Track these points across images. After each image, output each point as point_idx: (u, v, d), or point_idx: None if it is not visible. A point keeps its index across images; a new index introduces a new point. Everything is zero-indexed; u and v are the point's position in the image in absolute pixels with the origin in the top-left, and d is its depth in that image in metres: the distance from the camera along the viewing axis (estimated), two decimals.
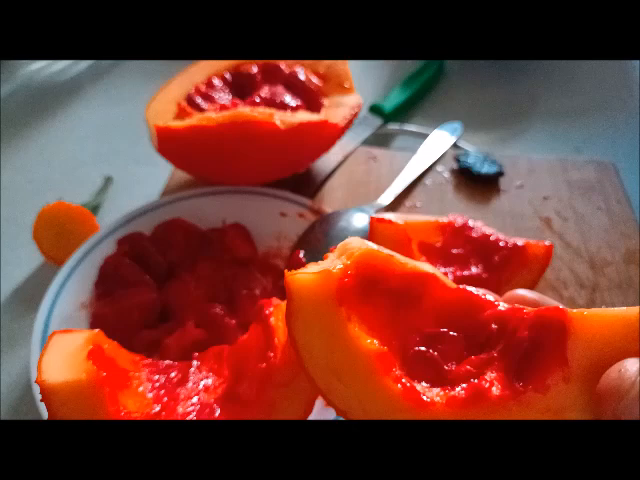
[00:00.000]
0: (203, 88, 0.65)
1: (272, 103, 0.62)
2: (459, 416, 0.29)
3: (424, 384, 0.31)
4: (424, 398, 0.29)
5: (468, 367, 0.31)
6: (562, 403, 0.28)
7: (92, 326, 0.52)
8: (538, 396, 0.28)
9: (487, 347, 0.32)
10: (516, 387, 0.29)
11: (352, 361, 0.30)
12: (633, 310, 0.28)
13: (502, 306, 0.33)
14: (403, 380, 0.30)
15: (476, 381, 0.30)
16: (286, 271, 0.32)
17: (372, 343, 0.31)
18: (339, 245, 0.35)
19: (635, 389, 0.24)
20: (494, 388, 0.29)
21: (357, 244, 0.34)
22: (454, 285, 0.36)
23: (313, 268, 0.33)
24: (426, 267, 0.36)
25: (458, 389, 0.30)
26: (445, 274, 0.52)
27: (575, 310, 0.29)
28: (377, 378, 0.30)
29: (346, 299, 0.31)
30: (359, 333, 0.31)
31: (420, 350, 0.32)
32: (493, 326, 0.32)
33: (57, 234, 0.61)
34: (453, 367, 0.32)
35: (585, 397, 0.27)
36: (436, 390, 0.30)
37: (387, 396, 0.29)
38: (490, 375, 0.30)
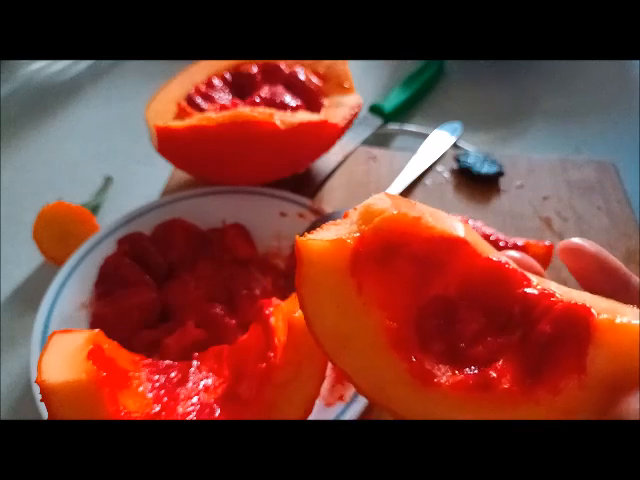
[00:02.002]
0: (203, 88, 0.65)
1: (272, 103, 0.63)
2: (463, 401, 0.28)
3: (434, 360, 0.30)
4: (431, 376, 0.29)
5: (482, 348, 0.30)
6: (572, 408, 0.26)
7: (92, 326, 0.52)
8: (548, 396, 0.27)
9: (506, 330, 0.30)
10: (527, 383, 0.27)
11: (360, 333, 0.29)
12: None
13: (532, 289, 0.30)
14: (412, 357, 0.29)
15: (487, 368, 0.29)
16: (297, 236, 0.30)
17: (382, 316, 0.29)
18: (362, 205, 0.32)
19: None
20: (504, 379, 0.28)
21: (381, 205, 0.31)
22: (489, 253, 0.32)
23: (328, 233, 0.31)
24: (459, 230, 0.32)
25: (467, 371, 0.29)
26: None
27: (604, 316, 0.27)
28: (385, 351, 0.29)
29: (360, 268, 0.30)
30: (369, 306, 0.29)
31: (436, 321, 0.31)
32: (516, 309, 0.30)
33: (57, 234, 0.61)
34: (468, 345, 0.30)
35: (596, 407, 0.26)
36: (444, 369, 0.29)
37: (393, 370, 0.29)
38: (503, 364, 0.29)
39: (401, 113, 0.82)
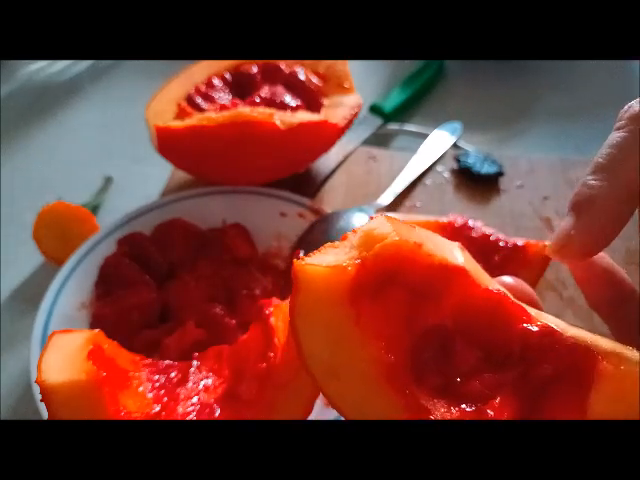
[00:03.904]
0: (203, 88, 0.65)
1: (272, 103, 0.63)
2: None
3: (429, 395, 0.29)
4: (426, 412, 0.28)
5: (479, 384, 0.29)
6: None
7: (92, 326, 0.52)
8: None
9: (504, 366, 0.29)
10: None
11: (356, 365, 0.28)
12: None
13: (533, 326, 0.29)
14: (407, 391, 0.28)
15: (484, 405, 0.28)
16: (295, 260, 0.29)
17: (379, 347, 0.28)
18: (363, 228, 0.30)
19: None
20: (501, 418, 0.27)
21: (382, 230, 0.30)
22: (487, 284, 0.31)
23: (326, 257, 0.29)
24: (458, 258, 0.31)
25: (464, 407, 0.28)
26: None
27: (608, 362, 0.26)
28: (380, 385, 0.28)
29: (359, 297, 0.29)
30: (366, 336, 0.28)
31: (432, 354, 0.30)
32: (516, 346, 0.29)
33: (57, 234, 0.61)
34: (464, 380, 0.29)
35: None
36: (440, 404, 0.28)
37: (388, 405, 0.28)
38: (500, 401, 0.28)
39: (401, 113, 0.82)
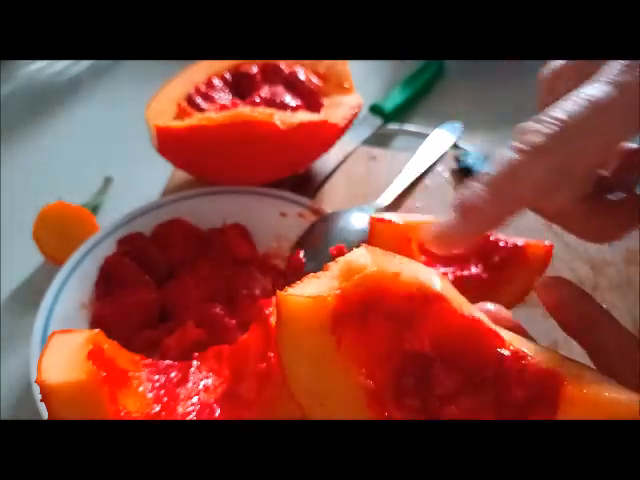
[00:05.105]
0: (203, 88, 0.65)
1: (272, 103, 0.63)
2: None
3: (409, 418, 0.30)
4: None
5: (455, 408, 0.30)
6: None
7: (92, 326, 0.52)
8: None
9: (480, 390, 0.31)
10: None
11: (337, 391, 0.30)
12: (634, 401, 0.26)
13: (505, 351, 0.31)
14: (386, 414, 0.29)
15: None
16: (278, 291, 0.30)
17: (360, 373, 0.30)
18: (342, 259, 0.32)
19: None
20: None
21: (362, 261, 0.32)
22: (465, 310, 0.33)
23: (308, 288, 0.31)
24: (436, 285, 0.33)
25: None
26: (445, 274, 0.51)
27: (573, 385, 0.28)
28: (360, 410, 0.29)
29: (340, 325, 0.30)
30: (348, 362, 0.30)
31: (412, 378, 0.31)
32: (489, 370, 0.31)
33: (57, 234, 0.61)
34: (442, 403, 0.30)
35: None
36: None
37: None
38: None
39: (401, 113, 0.82)
